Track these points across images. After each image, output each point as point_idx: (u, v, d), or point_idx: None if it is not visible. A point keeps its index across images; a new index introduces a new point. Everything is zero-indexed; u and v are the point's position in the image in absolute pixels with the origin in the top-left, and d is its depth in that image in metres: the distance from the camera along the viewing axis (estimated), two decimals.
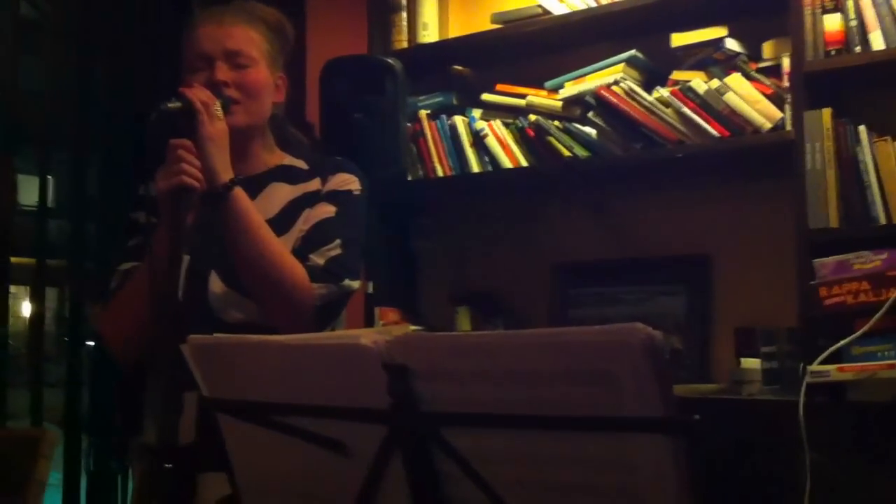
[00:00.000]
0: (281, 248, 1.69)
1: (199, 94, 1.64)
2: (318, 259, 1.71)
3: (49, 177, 3.16)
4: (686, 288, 2.96)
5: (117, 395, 2.88)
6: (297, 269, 1.68)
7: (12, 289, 3.12)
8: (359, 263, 1.77)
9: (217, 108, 1.65)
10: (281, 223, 1.75)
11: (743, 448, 2.50)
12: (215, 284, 1.72)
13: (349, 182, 1.81)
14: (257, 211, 1.70)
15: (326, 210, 1.77)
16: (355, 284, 1.75)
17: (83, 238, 3.08)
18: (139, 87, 3.00)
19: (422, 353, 1.06)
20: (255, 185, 1.78)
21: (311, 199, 1.79)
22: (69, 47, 3.10)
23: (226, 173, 1.65)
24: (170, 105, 1.61)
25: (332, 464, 1.14)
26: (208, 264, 1.73)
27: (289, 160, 1.86)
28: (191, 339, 1.21)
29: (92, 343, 3.15)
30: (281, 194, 1.80)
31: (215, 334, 1.23)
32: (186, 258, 1.71)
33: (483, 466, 1.05)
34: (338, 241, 1.73)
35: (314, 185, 1.80)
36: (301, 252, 1.72)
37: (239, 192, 1.66)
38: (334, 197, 1.79)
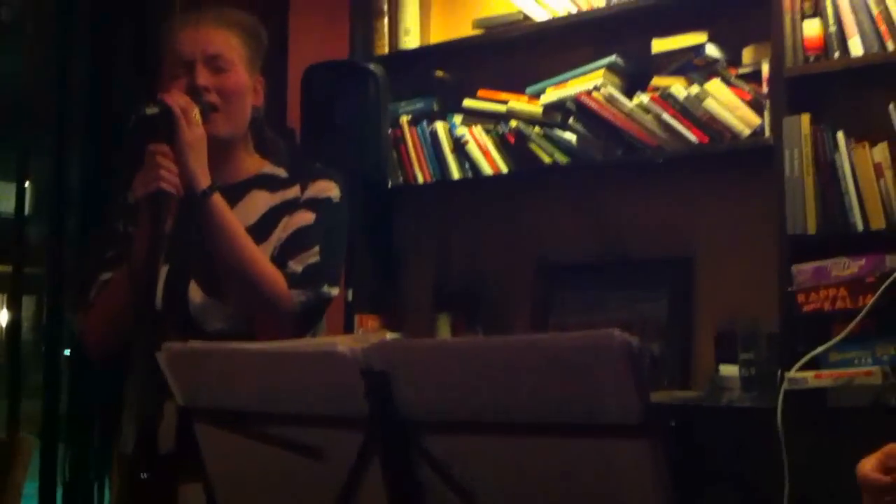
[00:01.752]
0: (260, 255, 1.68)
1: (177, 99, 1.64)
2: (296, 266, 1.70)
3: (27, 183, 3.13)
4: (668, 291, 2.96)
5: (96, 405, 2.85)
6: (276, 276, 1.67)
7: None
8: (338, 270, 1.77)
9: (196, 114, 1.65)
10: (260, 231, 1.74)
11: (722, 455, 2.50)
12: (195, 293, 1.71)
13: (328, 189, 1.80)
14: (237, 218, 1.69)
15: (305, 217, 1.76)
16: (334, 291, 1.74)
17: (61, 245, 3.05)
18: (118, 91, 2.98)
19: (399, 360, 1.05)
20: (234, 193, 1.77)
21: (290, 207, 1.78)
22: (47, 50, 3.07)
23: (204, 179, 1.64)
24: (148, 111, 1.60)
25: (310, 472, 1.13)
26: (187, 273, 1.72)
27: (269, 168, 1.85)
28: (166, 346, 1.19)
29: (69, 351, 3.12)
30: (260, 202, 1.79)
31: (191, 341, 1.22)
32: (165, 267, 1.69)
33: (462, 473, 1.04)
34: (316, 248, 1.72)
35: (293, 192, 1.80)
36: (280, 259, 1.71)
37: (217, 199, 1.65)
38: (313, 204, 1.78)
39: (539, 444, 1.01)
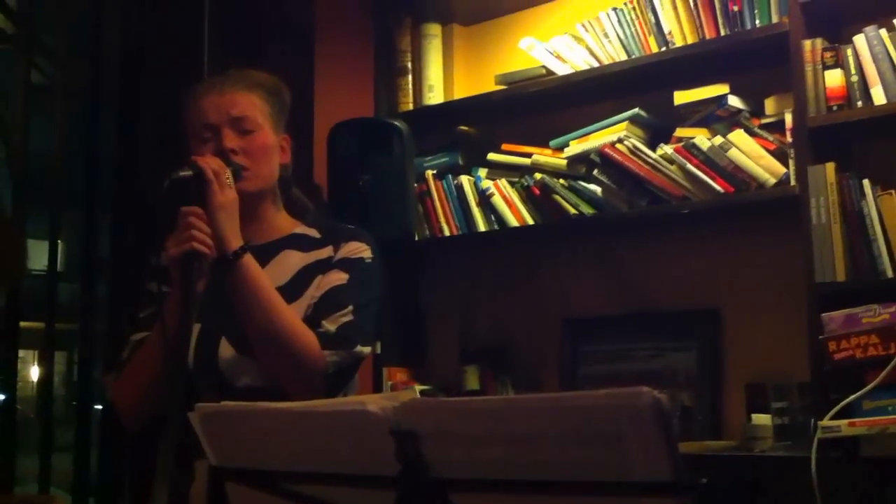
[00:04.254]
0: (291, 314, 1.69)
1: (210, 162, 1.67)
2: (329, 325, 1.71)
3: (59, 241, 3.18)
4: (696, 343, 2.95)
5: (127, 462, 2.86)
6: (308, 336, 1.68)
7: (20, 352, 3.13)
8: (372, 329, 1.77)
9: (228, 176, 1.68)
10: (292, 290, 1.76)
11: None
12: (225, 350, 1.73)
13: (361, 250, 1.82)
14: (269, 278, 1.71)
15: (339, 277, 1.77)
16: (367, 350, 1.75)
17: (93, 302, 3.09)
18: (149, 152, 3.03)
19: (429, 419, 1.06)
20: (267, 253, 1.80)
21: (323, 266, 1.79)
22: (79, 112, 3.14)
23: (235, 240, 1.67)
24: (182, 173, 1.63)
25: None
26: (218, 330, 1.74)
27: (301, 229, 1.88)
28: (198, 407, 1.21)
29: (100, 407, 3.14)
30: (293, 261, 1.81)
31: (223, 402, 1.24)
32: (197, 325, 1.71)
33: None
34: (350, 307, 1.73)
35: (326, 252, 1.81)
36: (313, 318, 1.72)
37: (248, 260, 1.68)
38: (346, 264, 1.79)
39: (568, 501, 1.01)
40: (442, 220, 3.19)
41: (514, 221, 3.07)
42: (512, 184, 3.11)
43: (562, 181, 3.00)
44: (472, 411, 1.06)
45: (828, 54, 2.56)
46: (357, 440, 1.09)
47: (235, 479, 1.22)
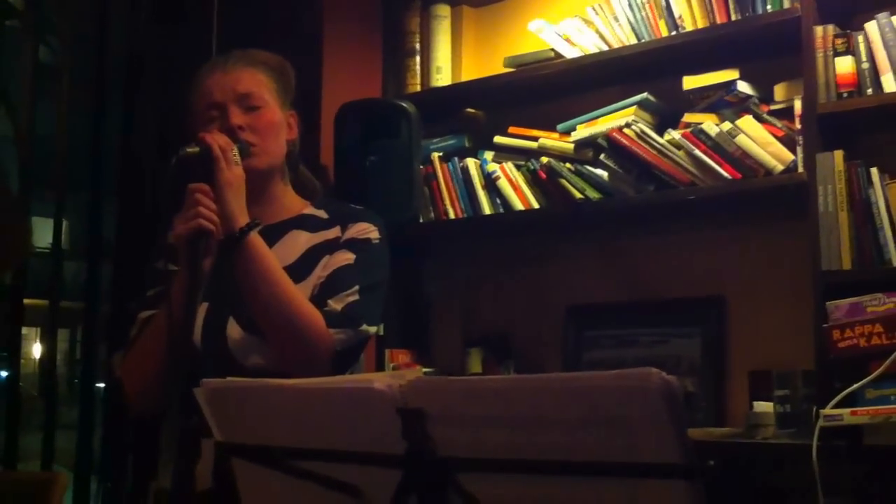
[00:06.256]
0: (297, 293, 1.69)
1: (217, 139, 1.66)
2: (336, 305, 1.71)
3: (63, 220, 3.18)
4: (701, 330, 2.94)
5: (132, 440, 2.87)
6: (314, 315, 1.68)
7: (23, 330, 3.13)
8: (378, 309, 1.77)
9: (235, 153, 1.67)
10: (300, 270, 1.75)
11: (758, 493, 2.48)
12: (233, 330, 1.72)
13: (368, 231, 1.82)
14: (276, 257, 1.71)
15: (346, 257, 1.77)
16: (373, 329, 1.75)
17: (97, 280, 3.09)
18: (154, 131, 3.02)
19: (436, 398, 1.06)
20: (274, 233, 1.79)
21: (330, 247, 1.79)
22: (86, 94, 3.14)
23: (242, 218, 1.66)
24: (188, 150, 1.63)
25: None
26: (227, 310, 1.74)
27: (310, 210, 1.87)
28: (204, 382, 1.21)
29: (103, 385, 3.15)
30: (300, 241, 1.81)
31: (229, 378, 1.23)
32: (205, 304, 1.71)
33: None
34: (356, 287, 1.73)
35: (334, 232, 1.81)
36: (320, 298, 1.72)
37: (255, 238, 1.67)
38: (353, 244, 1.79)
39: (575, 483, 1.01)
40: (447, 202, 3.18)
41: (519, 205, 3.06)
42: (518, 167, 3.10)
43: (568, 165, 2.99)
44: (478, 390, 1.06)
45: (839, 41, 2.55)
46: (363, 418, 1.09)
47: (241, 456, 1.21)
